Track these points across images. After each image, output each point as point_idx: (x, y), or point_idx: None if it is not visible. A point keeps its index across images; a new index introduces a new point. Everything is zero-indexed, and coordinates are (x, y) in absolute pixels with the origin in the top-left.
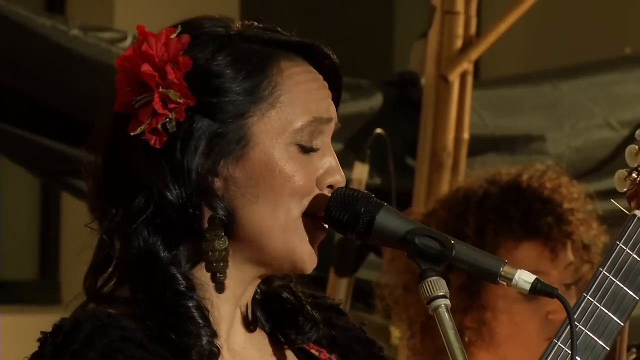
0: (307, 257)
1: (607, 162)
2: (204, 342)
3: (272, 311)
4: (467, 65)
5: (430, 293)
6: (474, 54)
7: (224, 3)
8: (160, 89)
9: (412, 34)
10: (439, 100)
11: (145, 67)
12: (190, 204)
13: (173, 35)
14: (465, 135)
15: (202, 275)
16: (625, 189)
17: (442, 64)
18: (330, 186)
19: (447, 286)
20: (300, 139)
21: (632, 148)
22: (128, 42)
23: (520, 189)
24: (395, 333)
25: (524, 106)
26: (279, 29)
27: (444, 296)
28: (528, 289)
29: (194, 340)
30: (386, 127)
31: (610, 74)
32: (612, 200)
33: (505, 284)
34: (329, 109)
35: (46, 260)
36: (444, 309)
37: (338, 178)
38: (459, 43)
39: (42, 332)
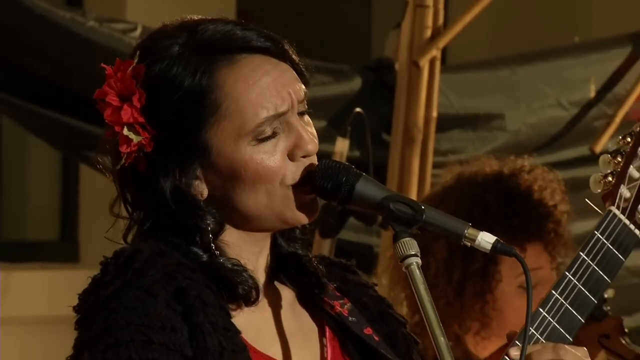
0: (301, 219)
1: (559, 137)
2: (248, 280)
3: (288, 269)
4: (435, 52)
5: (403, 252)
6: (442, 42)
7: None
8: (123, 131)
9: (388, 24)
10: (411, 83)
11: (107, 113)
12: (180, 218)
13: (130, 69)
14: (434, 114)
15: (225, 237)
16: (599, 190)
17: (413, 51)
18: (304, 156)
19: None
20: (260, 134)
21: (605, 157)
22: (138, 32)
23: (511, 193)
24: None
25: (485, 88)
26: (234, 20)
27: (415, 255)
28: (489, 248)
29: (239, 278)
30: (364, 107)
31: (561, 60)
32: (586, 199)
33: (469, 244)
34: (285, 100)
35: (66, 223)
36: (415, 266)
37: (309, 148)
38: (428, 33)
39: (104, 257)
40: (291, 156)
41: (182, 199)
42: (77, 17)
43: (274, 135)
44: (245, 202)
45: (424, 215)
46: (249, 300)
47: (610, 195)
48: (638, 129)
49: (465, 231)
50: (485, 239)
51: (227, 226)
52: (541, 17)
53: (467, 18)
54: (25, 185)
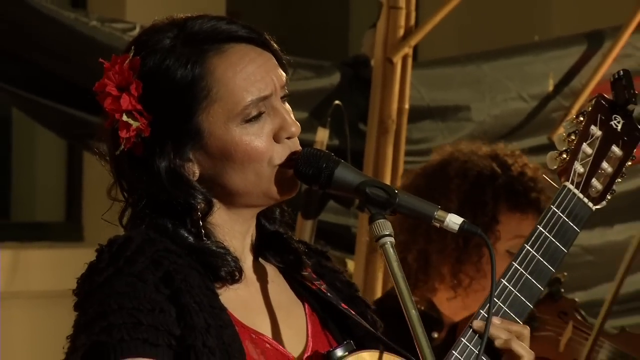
0: (284, 194)
1: (520, 127)
2: (230, 262)
3: (273, 246)
4: (407, 50)
5: (378, 232)
6: (413, 41)
7: None
8: (123, 117)
9: (364, 24)
10: (385, 78)
11: (107, 102)
12: (172, 197)
13: (127, 62)
14: (406, 106)
15: (214, 218)
16: (555, 167)
17: (387, 49)
18: (288, 138)
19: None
20: (247, 116)
21: (560, 135)
22: (136, 31)
23: (510, 167)
24: (350, 264)
25: (453, 82)
26: (220, 16)
27: (389, 235)
28: (457, 229)
29: (221, 261)
30: (343, 99)
31: (522, 57)
32: (544, 176)
33: (438, 225)
34: (269, 84)
35: (71, 205)
36: (389, 245)
37: (293, 130)
38: (401, 32)
39: (99, 244)
40: (276, 138)
41: (176, 179)
42: (81, 17)
43: (259, 115)
44: (235, 180)
45: (398, 199)
46: (232, 279)
47: (565, 171)
48: (590, 109)
49: (435, 213)
50: (453, 220)
51: (216, 207)
52: (504, 18)
53: (437, 18)
54: (34, 171)
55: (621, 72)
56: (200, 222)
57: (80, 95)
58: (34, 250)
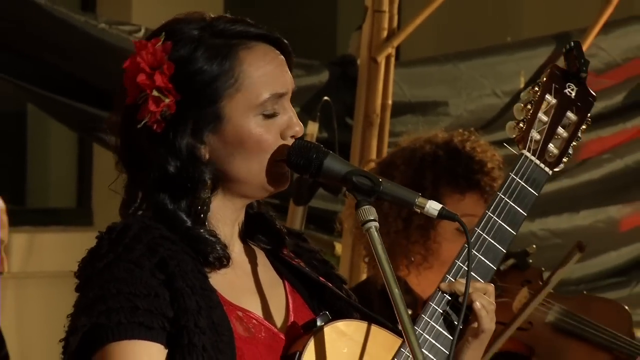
0: (279, 187)
1: (494, 121)
2: (219, 250)
3: (257, 228)
4: (390, 50)
5: (364, 217)
6: (396, 42)
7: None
8: (153, 93)
9: (351, 27)
10: (370, 76)
11: (140, 77)
12: (185, 171)
13: (158, 44)
14: (389, 102)
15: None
16: (514, 135)
17: (372, 49)
18: (292, 136)
19: (411, 224)
20: (264, 110)
21: (518, 106)
22: (142, 33)
23: (459, 151)
24: (338, 246)
25: (432, 80)
26: (242, 18)
27: (374, 220)
28: (436, 214)
29: (210, 248)
30: (331, 96)
31: (496, 57)
32: (505, 144)
33: (419, 211)
34: (285, 84)
35: (82, 192)
36: (374, 229)
37: (297, 129)
38: (384, 34)
39: (99, 231)
40: (282, 135)
41: (192, 156)
42: (90, 20)
43: (273, 111)
44: (240, 167)
45: (381, 187)
46: (220, 265)
47: (522, 139)
48: (544, 79)
49: (416, 200)
50: (433, 207)
51: (215, 191)
52: (479, 21)
53: (417, 21)
54: (47, 161)
55: (572, 44)
56: (207, 200)
57: (90, 92)
58: (47, 234)
